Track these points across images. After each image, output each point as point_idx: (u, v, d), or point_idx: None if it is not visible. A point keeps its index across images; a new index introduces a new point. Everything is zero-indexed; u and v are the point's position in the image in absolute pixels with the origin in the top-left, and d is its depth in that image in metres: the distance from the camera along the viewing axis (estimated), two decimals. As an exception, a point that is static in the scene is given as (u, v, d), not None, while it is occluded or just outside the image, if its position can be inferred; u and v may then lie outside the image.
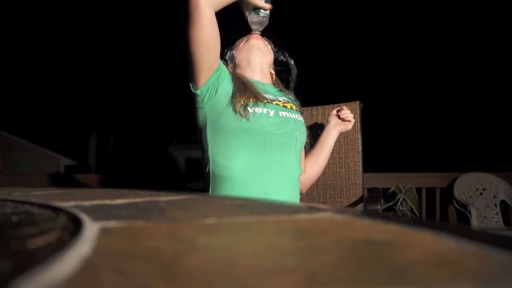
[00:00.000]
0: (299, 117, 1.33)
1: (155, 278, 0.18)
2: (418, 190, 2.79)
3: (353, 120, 1.44)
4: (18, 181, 2.70)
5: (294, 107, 1.34)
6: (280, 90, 1.42)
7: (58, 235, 0.28)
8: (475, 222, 2.61)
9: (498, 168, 2.96)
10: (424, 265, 0.20)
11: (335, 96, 1.56)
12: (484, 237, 0.26)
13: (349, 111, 1.44)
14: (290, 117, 1.27)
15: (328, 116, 1.48)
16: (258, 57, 1.36)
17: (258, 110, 1.20)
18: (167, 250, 0.24)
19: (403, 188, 2.73)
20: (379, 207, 1.39)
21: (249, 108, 1.19)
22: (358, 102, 1.63)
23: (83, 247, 0.23)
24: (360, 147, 1.60)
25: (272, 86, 1.41)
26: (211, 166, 1.22)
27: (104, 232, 0.28)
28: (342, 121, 1.44)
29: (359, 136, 1.60)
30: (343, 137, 1.62)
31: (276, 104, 1.27)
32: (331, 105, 1.68)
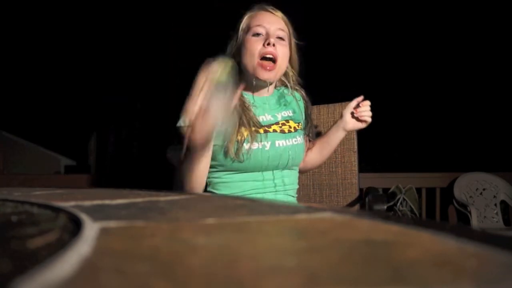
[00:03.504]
0: (297, 139, 1.24)
1: (155, 278, 0.18)
2: (418, 190, 2.79)
3: (369, 120, 1.30)
4: (18, 181, 2.70)
5: (293, 124, 1.26)
6: (283, 95, 1.30)
7: (58, 235, 0.28)
8: (475, 222, 2.61)
9: (498, 168, 2.96)
10: (424, 265, 0.20)
11: (336, 96, 1.53)
12: (484, 237, 0.26)
13: (369, 109, 1.29)
14: (287, 145, 1.20)
15: (341, 113, 1.33)
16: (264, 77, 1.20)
17: (254, 145, 1.14)
18: (167, 250, 0.24)
19: (403, 188, 2.73)
20: (385, 207, 1.38)
21: (245, 145, 1.13)
22: None
23: (83, 247, 0.23)
24: (356, 147, 1.60)
25: (272, 95, 1.29)
26: (209, 188, 1.21)
27: (104, 232, 0.28)
28: (357, 119, 1.30)
29: (355, 136, 1.60)
30: (339, 136, 1.61)
31: (273, 130, 1.20)
32: (338, 104, 1.64)
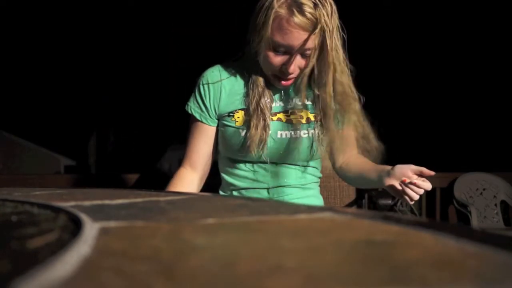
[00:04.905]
0: (307, 132, 1.09)
1: (155, 278, 0.18)
2: (418, 190, 2.79)
3: (413, 199, 0.99)
4: (18, 181, 2.70)
5: (307, 115, 1.10)
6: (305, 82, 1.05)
7: (58, 235, 0.28)
8: (475, 222, 2.61)
9: (498, 168, 2.95)
10: (424, 265, 0.20)
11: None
12: (484, 237, 0.26)
13: (422, 191, 0.98)
14: (291, 137, 1.09)
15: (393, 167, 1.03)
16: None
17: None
18: (167, 250, 0.24)
19: (403, 188, 2.72)
20: (390, 201, 1.36)
21: (240, 131, 1.07)
22: None
23: (83, 247, 0.23)
24: None
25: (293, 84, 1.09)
26: (221, 178, 1.19)
27: (104, 232, 0.28)
28: (401, 188, 0.98)
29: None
30: (338, 139, 1.62)
31: (278, 119, 1.09)
32: None
